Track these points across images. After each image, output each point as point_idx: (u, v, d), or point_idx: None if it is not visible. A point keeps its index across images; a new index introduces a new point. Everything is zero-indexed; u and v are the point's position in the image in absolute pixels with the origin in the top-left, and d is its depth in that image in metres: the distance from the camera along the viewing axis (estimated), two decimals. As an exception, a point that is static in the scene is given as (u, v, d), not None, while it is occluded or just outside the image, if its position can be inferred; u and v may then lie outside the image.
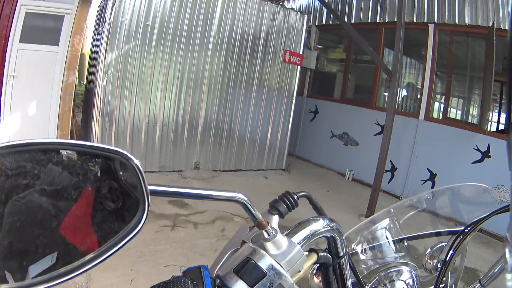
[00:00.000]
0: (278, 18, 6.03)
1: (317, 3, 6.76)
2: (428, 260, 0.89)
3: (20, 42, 5.20)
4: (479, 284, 0.77)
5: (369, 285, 0.89)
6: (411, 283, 0.88)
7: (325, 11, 6.94)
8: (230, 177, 5.65)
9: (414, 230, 0.95)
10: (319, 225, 0.57)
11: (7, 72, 5.76)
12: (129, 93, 5.13)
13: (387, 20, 6.05)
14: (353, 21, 6.48)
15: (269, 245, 0.48)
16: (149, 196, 0.38)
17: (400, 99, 6.29)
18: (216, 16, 5.54)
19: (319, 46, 7.62)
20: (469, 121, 6.40)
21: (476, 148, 4.95)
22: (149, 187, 0.39)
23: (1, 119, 4.36)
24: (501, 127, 5.60)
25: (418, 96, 5.76)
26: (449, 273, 0.82)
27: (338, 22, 6.08)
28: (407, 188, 5.66)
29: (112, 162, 0.38)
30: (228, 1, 5.57)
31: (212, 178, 5.50)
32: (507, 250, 0.51)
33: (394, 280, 0.88)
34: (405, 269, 0.90)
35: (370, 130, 5.61)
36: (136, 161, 0.38)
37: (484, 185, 0.95)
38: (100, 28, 6.61)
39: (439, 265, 0.82)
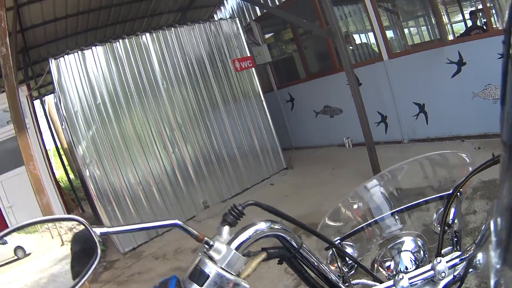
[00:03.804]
0: (212, 34, 6.02)
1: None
2: (436, 225, 0.90)
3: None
4: (474, 245, 0.77)
5: (377, 261, 0.91)
6: (417, 251, 0.89)
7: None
8: (239, 200, 5.65)
9: (407, 198, 0.98)
10: (259, 228, 0.66)
11: (3, 205, 5.91)
12: (113, 171, 5.21)
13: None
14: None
15: (212, 253, 0.60)
16: (98, 238, 0.54)
17: (358, 49, 6.18)
18: (154, 62, 5.57)
19: (268, 35, 7.55)
20: (431, 38, 6.19)
21: (449, 61, 4.80)
22: (99, 230, 0.54)
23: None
24: (462, 30, 5.39)
25: (373, 40, 5.63)
26: (453, 233, 0.85)
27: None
28: (404, 130, 5.55)
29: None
30: (158, 42, 5.59)
31: (224, 209, 5.48)
32: (491, 222, 0.49)
33: (400, 252, 0.89)
34: (408, 239, 0.91)
35: (346, 93, 5.50)
36: (81, 219, 0.55)
37: (455, 151, 1.00)
38: (63, 125, 6.73)
39: (439, 229, 0.86)
